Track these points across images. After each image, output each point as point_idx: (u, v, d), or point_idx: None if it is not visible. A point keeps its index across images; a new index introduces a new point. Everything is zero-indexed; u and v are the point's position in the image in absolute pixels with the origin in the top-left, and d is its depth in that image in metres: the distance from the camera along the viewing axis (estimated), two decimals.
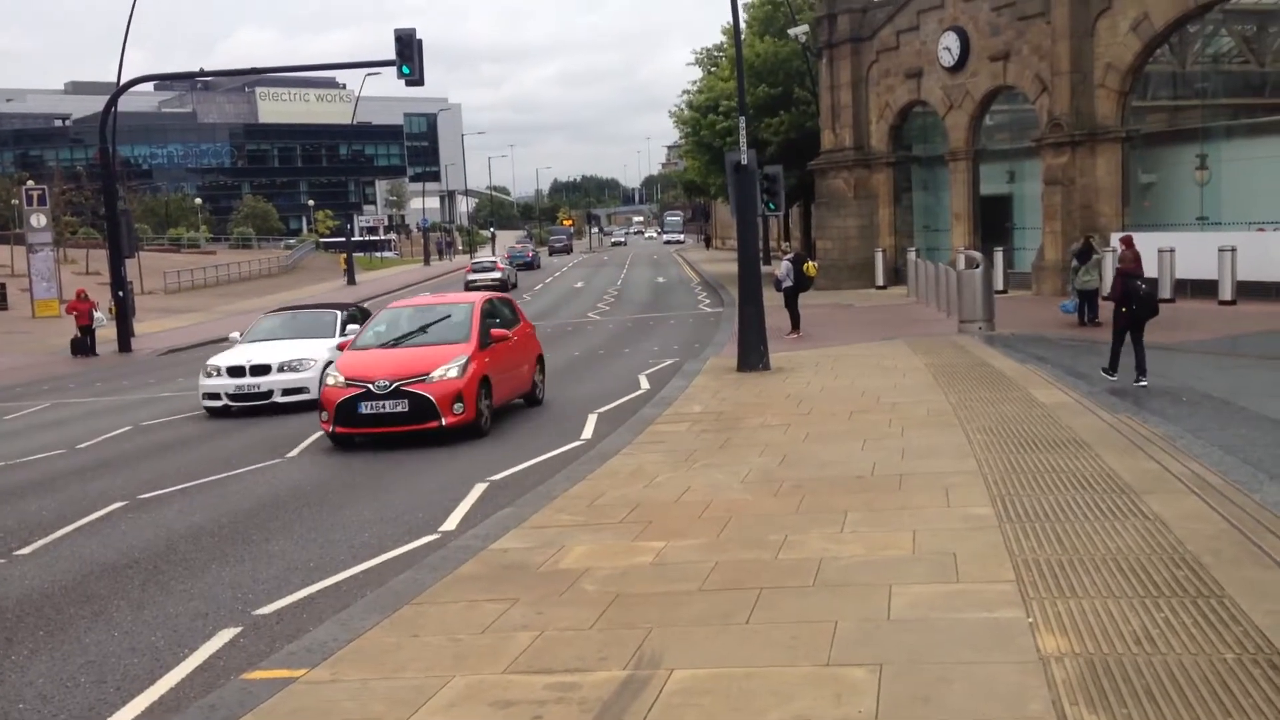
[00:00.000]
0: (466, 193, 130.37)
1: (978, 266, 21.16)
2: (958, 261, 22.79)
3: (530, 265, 71.36)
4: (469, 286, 46.04)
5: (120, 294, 32.06)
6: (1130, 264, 16.04)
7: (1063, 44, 28.20)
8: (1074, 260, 21.15)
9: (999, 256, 28.87)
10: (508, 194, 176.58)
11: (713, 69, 50.92)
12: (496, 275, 50.69)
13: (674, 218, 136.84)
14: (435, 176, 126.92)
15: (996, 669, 5.00)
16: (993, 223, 32.69)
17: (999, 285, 27.00)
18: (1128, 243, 22.12)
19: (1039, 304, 27.04)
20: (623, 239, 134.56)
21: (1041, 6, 29.14)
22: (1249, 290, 22.90)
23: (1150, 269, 23.14)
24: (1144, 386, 13.98)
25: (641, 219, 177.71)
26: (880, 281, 35.54)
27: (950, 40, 32.70)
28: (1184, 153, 27.39)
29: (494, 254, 74.45)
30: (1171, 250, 24.24)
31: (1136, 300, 14.69)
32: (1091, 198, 28.13)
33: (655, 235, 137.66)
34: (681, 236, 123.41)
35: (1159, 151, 28.33)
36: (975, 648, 5.27)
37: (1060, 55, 28.32)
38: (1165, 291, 24.15)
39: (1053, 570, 6.30)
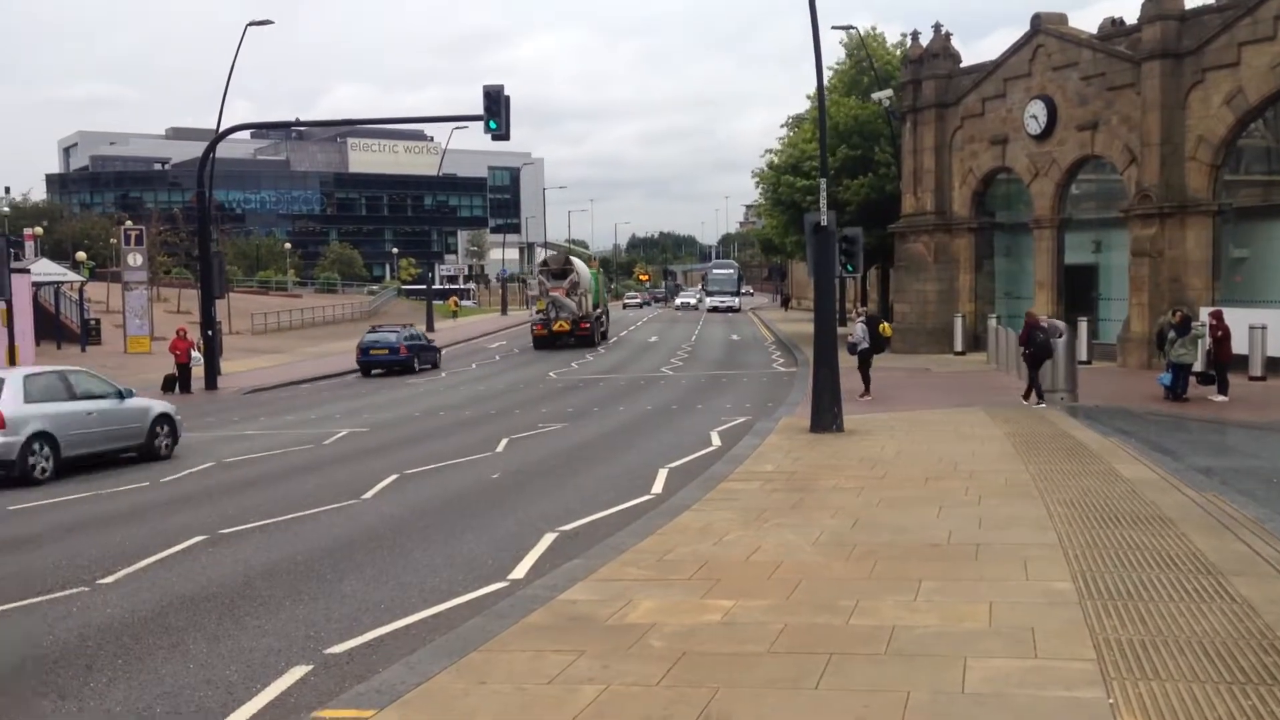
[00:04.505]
0: (546, 245, 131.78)
1: (1061, 336, 20.86)
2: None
3: (660, 300, 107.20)
4: (624, 307, 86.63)
5: (209, 333, 32.93)
6: (1033, 317, 21.28)
7: (1153, 115, 27.86)
8: (1171, 332, 20.77)
9: (1083, 327, 28.39)
10: (586, 247, 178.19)
11: (795, 129, 51.25)
12: (640, 301, 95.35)
13: (724, 271, 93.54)
14: (516, 228, 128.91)
15: None
16: (1077, 292, 32.20)
17: (1083, 356, 26.53)
18: (1218, 317, 21.71)
19: (1124, 376, 26.48)
20: (692, 300, 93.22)
21: (1132, 77, 28.87)
22: None
23: (1240, 345, 22.69)
24: (1035, 404, 19.75)
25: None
26: (959, 347, 35.13)
27: (1037, 109, 32.51)
28: (1278, 228, 26.76)
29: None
30: (1263, 327, 23.60)
31: (1034, 345, 20.08)
32: (1180, 270, 27.58)
33: (694, 301, 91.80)
34: (736, 301, 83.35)
35: (1252, 226, 27.71)
36: None
37: (1150, 126, 27.97)
38: (1255, 369, 23.56)
39: (1135, 650, 6.12)
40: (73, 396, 17.32)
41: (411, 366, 37.19)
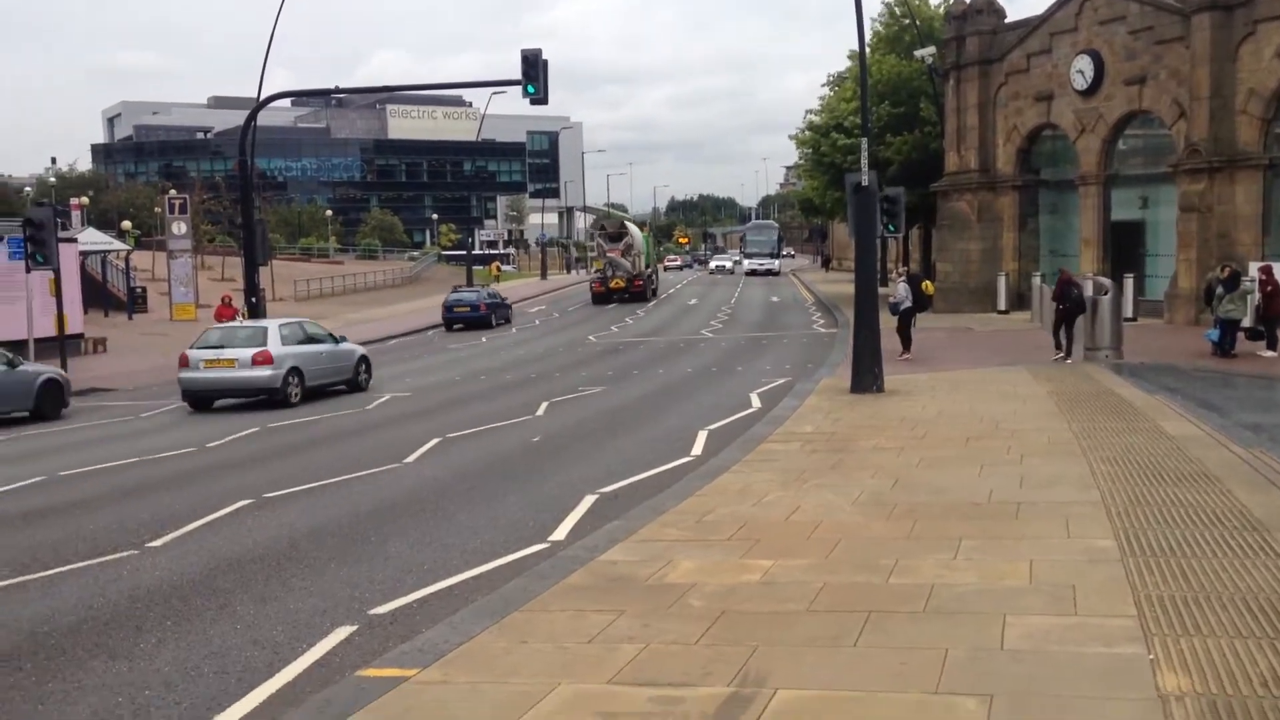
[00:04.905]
0: (585, 209, 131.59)
1: (1106, 293, 20.57)
2: (1086, 288, 22.17)
3: (701, 262, 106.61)
4: (665, 269, 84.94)
5: (253, 300, 33.23)
6: (1067, 274, 21.56)
7: (1202, 69, 27.23)
8: (1220, 288, 20.47)
9: (1129, 283, 27.96)
10: (625, 211, 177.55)
11: (836, 88, 50.68)
12: (680, 263, 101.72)
13: (762, 233, 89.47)
14: (554, 193, 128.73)
15: (1114, 706, 4.84)
16: (1124, 249, 31.69)
17: (1129, 313, 26.16)
18: (1267, 272, 21.31)
19: (1171, 333, 26.09)
20: (728, 263, 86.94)
21: (1181, 30, 28.21)
22: None
23: None
24: (1066, 360, 20.10)
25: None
26: (1002, 306, 34.75)
27: (1083, 63, 31.87)
28: None
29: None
30: None
31: (1068, 301, 20.42)
32: (1229, 226, 27.05)
33: (730, 264, 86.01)
34: (775, 263, 78.06)
35: None
36: (1092, 683, 5.11)
37: (1200, 80, 27.35)
38: None
39: (1177, 607, 6.07)
40: (309, 340, 21.64)
41: (489, 322, 40.90)
